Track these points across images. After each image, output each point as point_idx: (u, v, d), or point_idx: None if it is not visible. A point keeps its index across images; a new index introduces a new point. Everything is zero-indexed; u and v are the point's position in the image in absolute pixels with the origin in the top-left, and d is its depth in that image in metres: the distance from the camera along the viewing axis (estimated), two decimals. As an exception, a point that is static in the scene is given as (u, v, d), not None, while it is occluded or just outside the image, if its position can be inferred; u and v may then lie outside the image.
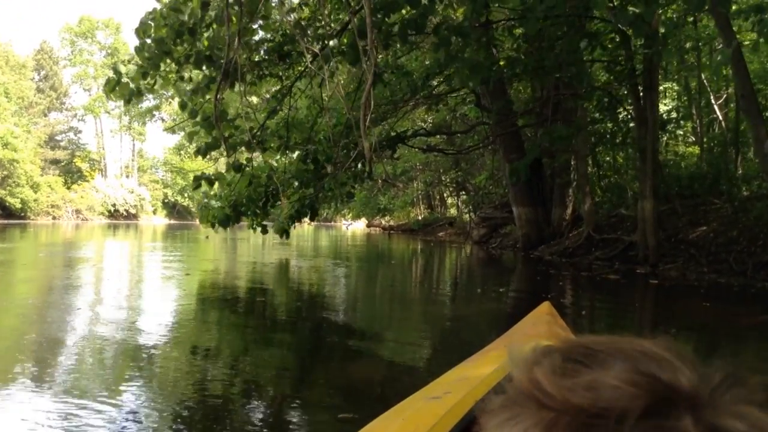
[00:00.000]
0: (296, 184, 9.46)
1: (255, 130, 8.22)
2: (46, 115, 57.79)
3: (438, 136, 22.00)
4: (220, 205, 9.24)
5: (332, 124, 8.50)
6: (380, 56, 8.44)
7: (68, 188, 53.04)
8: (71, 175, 56.87)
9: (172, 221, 59.50)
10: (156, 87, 7.95)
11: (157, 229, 36.01)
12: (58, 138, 59.79)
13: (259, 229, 9.67)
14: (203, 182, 9.03)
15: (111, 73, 7.47)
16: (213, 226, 9.19)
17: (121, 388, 3.34)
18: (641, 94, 10.05)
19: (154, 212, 64.04)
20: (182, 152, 57.96)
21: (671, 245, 10.36)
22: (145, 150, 70.99)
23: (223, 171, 8.98)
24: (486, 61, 9.79)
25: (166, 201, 66.14)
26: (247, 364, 4.14)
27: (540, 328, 2.28)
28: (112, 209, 55.08)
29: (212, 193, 10.05)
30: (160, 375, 3.73)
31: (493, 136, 13.74)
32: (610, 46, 9.79)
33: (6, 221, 40.34)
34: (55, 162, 55.73)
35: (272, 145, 8.93)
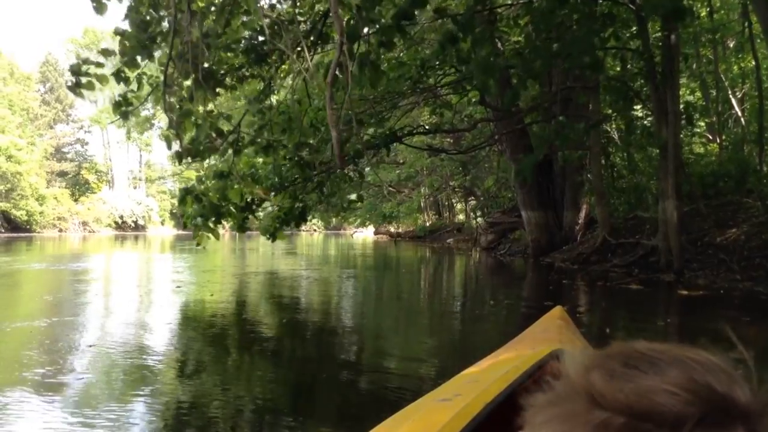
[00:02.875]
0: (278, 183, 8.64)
1: (233, 133, 7.41)
2: (52, 127, 57.65)
3: (444, 139, 21.19)
4: (197, 207, 8.43)
5: (316, 108, 7.68)
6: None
7: (75, 200, 52.76)
8: (78, 187, 56.67)
9: (181, 231, 58.99)
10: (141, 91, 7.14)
11: (164, 240, 35.62)
12: (65, 150, 59.64)
13: (238, 227, 8.90)
14: (188, 198, 8.32)
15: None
16: (185, 226, 8.41)
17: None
18: (658, 85, 9.11)
19: (162, 223, 63.74)
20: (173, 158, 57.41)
21: (697, 250, 9.37)
22: (153, 161, 70.82)
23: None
24: (493, 56, 8.95)
25: (174, 211, 65.72)
26: (246, 380, 4.02)
27: (551, 333, 2.23)
28: (120, 221, 54.73)
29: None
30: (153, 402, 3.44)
31: (498, 135, 12.84)
32: (625, 33, 8.87)
33: (11, 234, 40.02)
34: (62, 174, 55.58)
35: (257, 144, 8.08)
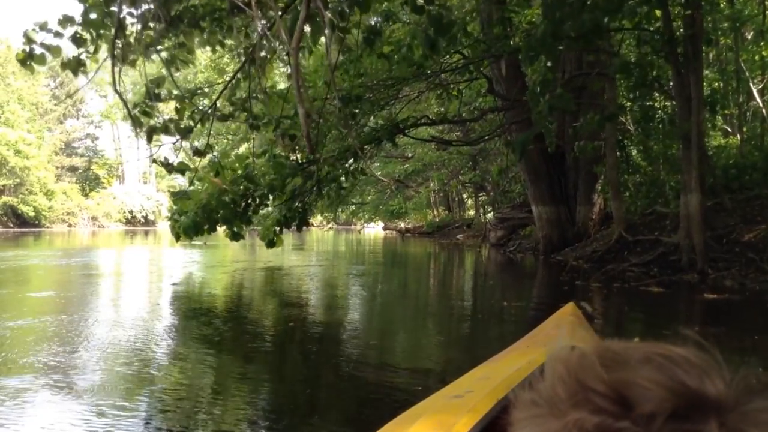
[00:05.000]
0: (274, 181, 8.01)
1: (210, 108, 6.81)
2: (62, 122, 57.59)
3: (453, 133, 20.53)
4: (189, 212, 7.80)
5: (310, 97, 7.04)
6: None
7: (86, 195, 52.68)
8: (89, 182, 56.59)
9: (189, 227, 58.66)
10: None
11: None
12: (75, 145, 59.58)
13: (231, 235, 8.29)
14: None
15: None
16: (178, 237, 7.83)
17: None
18: (681, 68, 8.38)
19: (172, 218, 63.51)
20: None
21: (722, 248, 8.64)
22: (163, 156, 70.69)
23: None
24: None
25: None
26: (250, 381, 3.84)
27: (563, 329, 2.20)
28: (130, 216, 54.66)
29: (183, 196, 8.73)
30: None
31: (507, 124, 12.15)
32: (643, 10, 8.13)
33: (19, 229, 39.97)
34: (72, 169, 55.52)
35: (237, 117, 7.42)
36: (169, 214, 8.67)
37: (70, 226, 47.52)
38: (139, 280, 10.67)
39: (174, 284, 9.31)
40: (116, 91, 4.42)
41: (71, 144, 58.39)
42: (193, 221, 7.65)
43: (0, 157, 40.86)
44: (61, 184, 49.32)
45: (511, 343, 2.29)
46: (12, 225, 42.27)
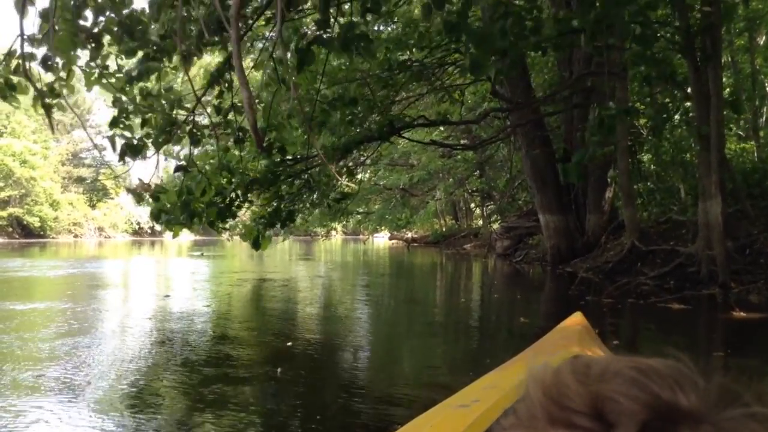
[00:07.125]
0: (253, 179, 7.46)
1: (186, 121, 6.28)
2: (69, 133, 57.58)
3: (460, 141, 19.95)
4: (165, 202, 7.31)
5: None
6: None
7: (93, 206, 52.54)
8: (96, 192, 56.47)
9: (198, 237, 58.51)
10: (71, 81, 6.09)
11: (181, 246, 35.57)
12: (83, 155, 59.52)
13: (223, 230, 7.79)
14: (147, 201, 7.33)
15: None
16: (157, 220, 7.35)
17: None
18: (700, 63, 7.72)
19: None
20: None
21: (745, 259, 7.94)
22: (171, 167, 70.73)
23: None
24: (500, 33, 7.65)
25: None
26: (246, 400, 3.70)
27: (571, 339, 2.18)
28: (137, 226, 54.45)
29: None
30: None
31: (512, 127, 11.51)
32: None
33: (25, 240, 39.81)
34: (79, 180, 55.38)
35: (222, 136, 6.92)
36: (146, 202, 8.26)
37: (76, 236, 47.34)
38: (136, 292, 10.60)
39: (167, 296, 8.91)
40: (35, 87, 3.86)
41: (78, 154, 58.31)
42: (169, 209, 7.16)
43: (5, 168, 40.75)
44: (67, 195, 49.17)
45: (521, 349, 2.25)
46: (17, 236, 42.10)
